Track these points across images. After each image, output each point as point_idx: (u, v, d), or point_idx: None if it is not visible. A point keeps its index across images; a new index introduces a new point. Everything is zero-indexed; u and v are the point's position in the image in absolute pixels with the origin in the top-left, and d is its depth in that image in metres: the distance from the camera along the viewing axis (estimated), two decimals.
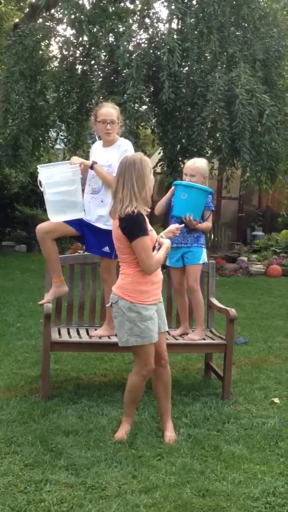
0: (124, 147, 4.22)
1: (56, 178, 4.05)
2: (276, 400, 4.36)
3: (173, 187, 4.61)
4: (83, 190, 4.26)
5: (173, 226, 3.80)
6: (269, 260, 11.91)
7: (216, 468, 3.25)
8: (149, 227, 3.48)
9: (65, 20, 10.40)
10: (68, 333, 4.50)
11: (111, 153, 4.23)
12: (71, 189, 4.07)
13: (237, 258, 12.13)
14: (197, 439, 3.60)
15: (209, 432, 3.73)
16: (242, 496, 2.95)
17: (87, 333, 4.49)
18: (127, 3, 11.40)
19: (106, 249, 4.20)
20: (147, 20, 10.73)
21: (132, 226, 3.37)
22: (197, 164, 4.53)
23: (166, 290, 4.76)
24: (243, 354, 5.66)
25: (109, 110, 4.21)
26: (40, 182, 4.07)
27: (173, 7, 9.77)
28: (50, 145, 12.01)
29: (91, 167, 4.20)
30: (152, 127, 11.15)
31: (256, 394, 4.50)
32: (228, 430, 3.77)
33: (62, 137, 12.06)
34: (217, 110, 9.37)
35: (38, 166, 4.21)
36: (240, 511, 2.82)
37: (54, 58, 11.53)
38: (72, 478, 3.06)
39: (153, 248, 3.46)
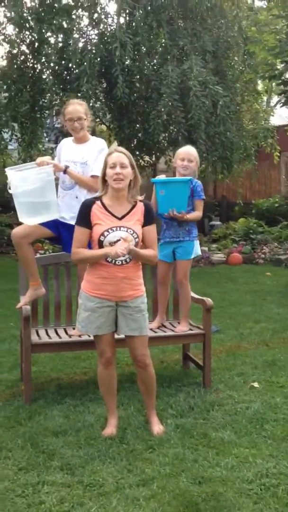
0: (101, 146, 4.25)
1: (30, 181, 4.00)
2: (255, 384, 4.47)
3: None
4: (57, 190, 4.24)
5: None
6: (229, 248, 12.09)
7: (208, 455, 3.32)
8: (100, 221, 3.43)
9: (11, 18, 10.21)
10: (47, 334, 4.48)
11: (85, 150, 4.23)
12: (45, 191, 4.03)
13: None
14: (185, 429, 3.66)
15: (195, 420, 3.80)
16: (237, 480, 3.02)
17: (66, 333, 4.48)
18: None
19: None
20: (96, 15, 10.69)
21: None
22: (192, 152, 4.57)
23: (152, 282, 4.79)
24: (217, 342, 5.74)
25: (75, 107, 4.23)
26: (9, 185, 4.02)
27: None
28: (3, 146, 11.79)
29: (64, 172, 4.19)
30: (108, 123, 11.13)
31: (236, 380, 4.60)
32: (214, 417, 3.85)
33: (16, 137, 11.86)
34: (171, 103, 9.45)
35: (6, 169, 4.15)
36: (237, 495, 2.89)
37: (2, 57, 11.35)
38: (68, 478, 3.07)
39: (100, 242, 3.45)
